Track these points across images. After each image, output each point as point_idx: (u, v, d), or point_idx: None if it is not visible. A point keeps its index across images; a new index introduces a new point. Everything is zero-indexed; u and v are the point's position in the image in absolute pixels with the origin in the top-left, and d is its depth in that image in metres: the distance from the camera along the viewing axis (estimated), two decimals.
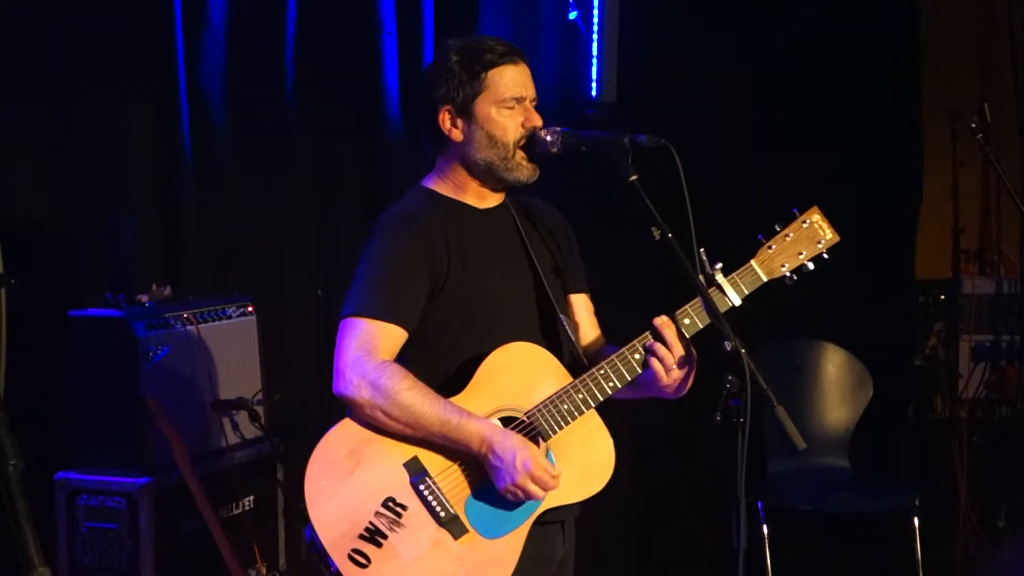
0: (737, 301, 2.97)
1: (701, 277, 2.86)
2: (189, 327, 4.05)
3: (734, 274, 2.98)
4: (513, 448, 2.85)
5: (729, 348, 2.75)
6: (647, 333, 2.96)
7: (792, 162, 5.62)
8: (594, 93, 5.28)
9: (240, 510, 4.17)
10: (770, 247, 3.02)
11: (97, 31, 4.20)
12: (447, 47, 3.06)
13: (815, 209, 3.06)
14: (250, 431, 4.23)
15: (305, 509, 2.87)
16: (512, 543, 2.94)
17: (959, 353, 5.92)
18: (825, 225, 3.05)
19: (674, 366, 2.93)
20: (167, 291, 4.14)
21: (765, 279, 3.00)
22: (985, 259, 6.12)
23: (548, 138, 3.01)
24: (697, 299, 2.93)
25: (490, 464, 2.87)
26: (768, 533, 4.98)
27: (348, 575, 2.84)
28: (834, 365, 5.55)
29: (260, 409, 4.21)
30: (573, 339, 3.13)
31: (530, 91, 3.04)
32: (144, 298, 4.02)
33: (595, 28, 5.28)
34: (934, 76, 6.03)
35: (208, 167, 4.56)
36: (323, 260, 4.89)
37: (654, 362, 2.93)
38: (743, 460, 2.72)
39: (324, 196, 4.88)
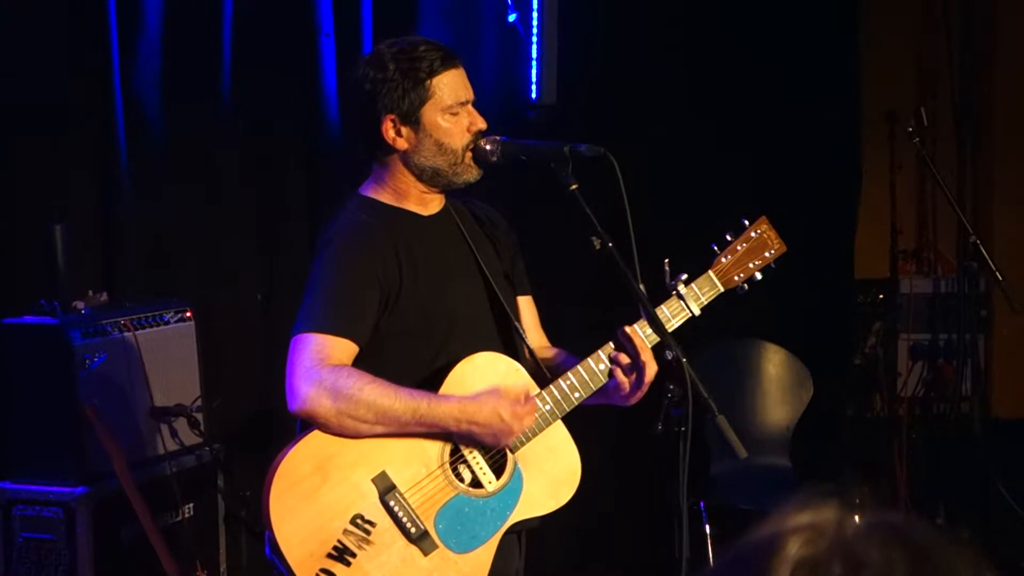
0: (696, 311, 3.02)
1: (642, 286, 2.86)
2: (126, 333, 3.99)
3: (692, 284, 3.02)
4: (486, 403, 2.86)
5: (670, 357, 2.78)
6: (611, 343, 2.97)
7: (731, 162, 5.65)
8: (534, 95, 5.27)
9: (180, 517, 4.12)
10: (725, 257, 3.07)
11: (31, 36, 4.14)
12: (381, 53, 2.99)
13: (764, 219, 3.13)
14: (189, 438, 4.17)
15: (269, 528, 2.81)
16: (482, 557, 2.94)
17: (897, 352, 5.98)
18: (773, 235, 3.12)
19: (636, 375, 2.93)
20: (103, 297, 4.08)
21: (722, 289, 3.06)
22: (922, 259, 6.18)
23: (488, 147, 2.98)
24: (660, 308, 2.96)
25: (476, 436, 2.86)
26: (711, 533, 5.00)
27: None
28: (774, 364, 5.57)
29: (199, 415, 4.16)
30: (529, 346, 3.13)
31: (470, 93, 3.02)
32: (80, 305, 3.96)
33: (534, 30, 5.27)
34: (872, 77, 6.08)
35: (145, 171, 4.50)
36: (263, 264, 4.85)
37: (617, 371, 2.95)
38: (685, 469, 2.72)
39: (263, 199, 4.84)
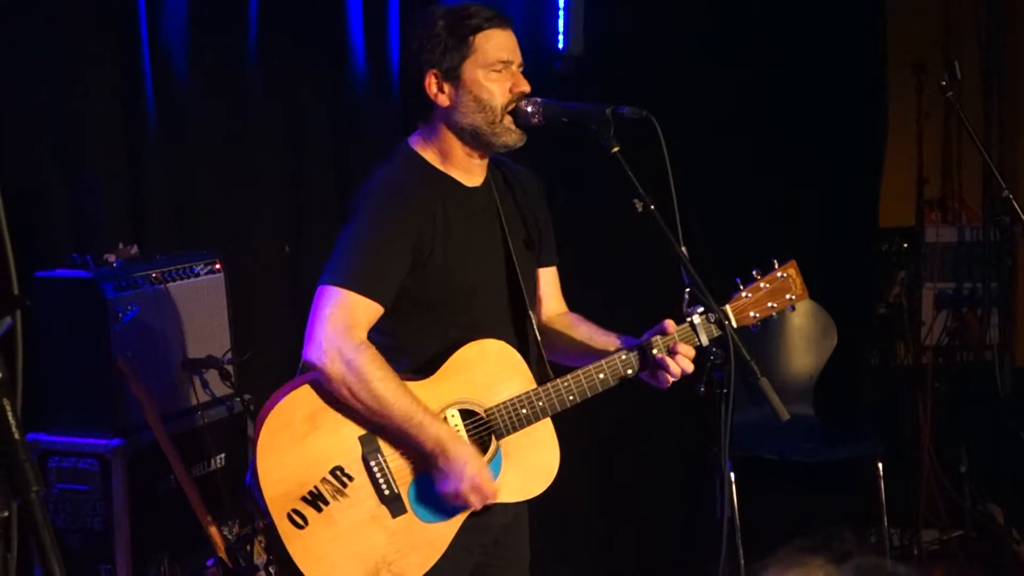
0: (704, 343, 3.03)
1: (684, 249, 2.88)
2: (157, 286, 4.02)
3: (707, 315, 3.02)
4: (464, 457, 2.92)
5: (712, 320, 2.82)
6: (615, 355, 3.04)
7: (757, 111, 5.62)
8: (561, 46, 5.23)
9: (212, 468, 4.17)
10: (746, 295, 3.11)
11: None
12: (432, 13, 3.04)
13: (793, 263, 3.16)
14: (220, 389, 4.22)
15: (254, 457, 2.91)
16: (445, 531, 3.01)
17: (922, 301, 5.97)
18: (799, 281, 3.16)
19: (690, 366, 3.01)
20: (134, 250, 4.10)
21: (735, 326, 3.06)
22: (947, 207, 6.16)
23: (529, 108, 3.01)
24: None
25: (438, 466, 2.93)
26: (735, 482, 5.03)
27: (283, 533, 2.90)
28: (798, 314, 5.58)
29: (230, 367, 4.20)
30: (538, 339, 3.16)
31: (517, 56, 3.04)
32: (111, 258, 3.98)
33: None
34: (898, 27, 6.03)
35: (172, 123, 4.50)
36: (290, 215, 4.85)
37: (675, 368, 3.01)
38: (727, 431, 2.75)
39: (290, 151, 4.83)
